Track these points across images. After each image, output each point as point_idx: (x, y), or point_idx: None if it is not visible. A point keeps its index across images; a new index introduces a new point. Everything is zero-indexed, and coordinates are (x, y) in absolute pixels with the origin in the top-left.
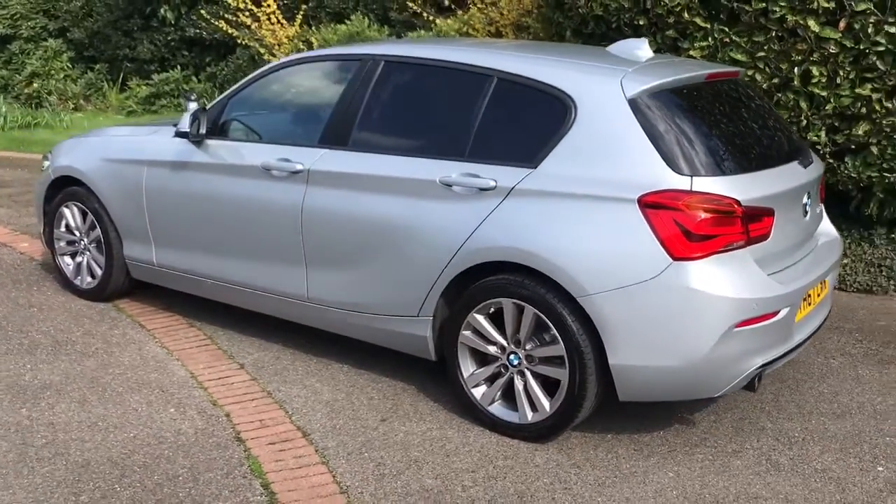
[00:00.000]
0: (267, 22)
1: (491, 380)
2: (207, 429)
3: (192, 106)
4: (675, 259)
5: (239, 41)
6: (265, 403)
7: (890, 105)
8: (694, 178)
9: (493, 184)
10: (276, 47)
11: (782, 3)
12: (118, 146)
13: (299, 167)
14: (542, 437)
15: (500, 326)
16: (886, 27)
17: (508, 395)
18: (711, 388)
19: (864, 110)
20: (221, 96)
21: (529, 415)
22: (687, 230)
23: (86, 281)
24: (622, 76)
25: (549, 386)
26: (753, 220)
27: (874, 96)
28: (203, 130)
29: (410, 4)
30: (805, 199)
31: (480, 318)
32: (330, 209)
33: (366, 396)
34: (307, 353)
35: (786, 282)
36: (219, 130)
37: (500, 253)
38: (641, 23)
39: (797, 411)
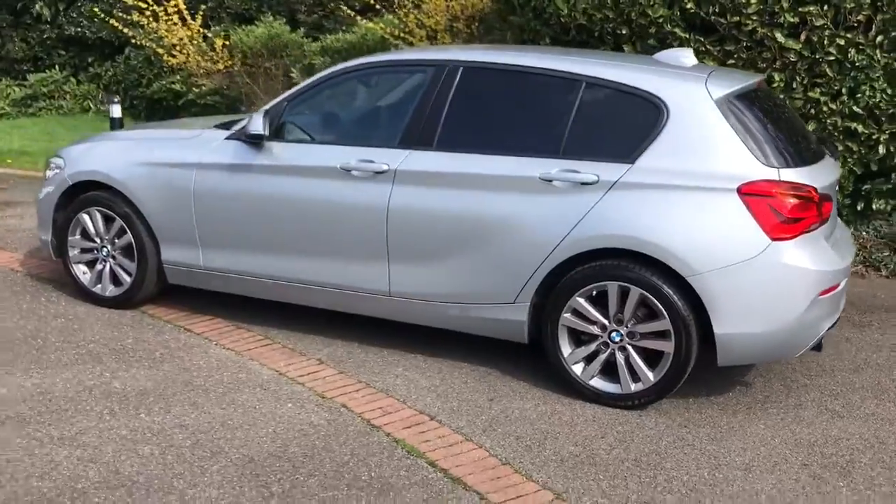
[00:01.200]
0: (169, 21)
1: (589, 357)
2: (337, 419)
3: (115, 109)
4: (772, 240)
5: (133, 40)
6: (370, 393)
7: (834, 106)
8: (780, 169)
9: (595, 178)
10: (176, 48)
11: (754, 18)
12: (157, 150)
13: (384, 167)
14: (642, 405)
15: (598, 308)
16: (837, 39)
17: (604, 370)
18: (794, 349)
19: (812, 111)
20: (279, 99)
21: (632, 386)
22: (781, 214)
23: (108, 289)
24: (704, 81)
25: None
26: (822, 204)
27: (822, 99)
28: (268, 133)
29: (343, 8)
30: (836, 187)
31: (582, 300)
32: (421, 207)
33: (460, 381)
34: (374, 345)
35: (842, 256)
36: (278, 133)
37: (609, 240)
38: (624, 32)
39: (820, 370)
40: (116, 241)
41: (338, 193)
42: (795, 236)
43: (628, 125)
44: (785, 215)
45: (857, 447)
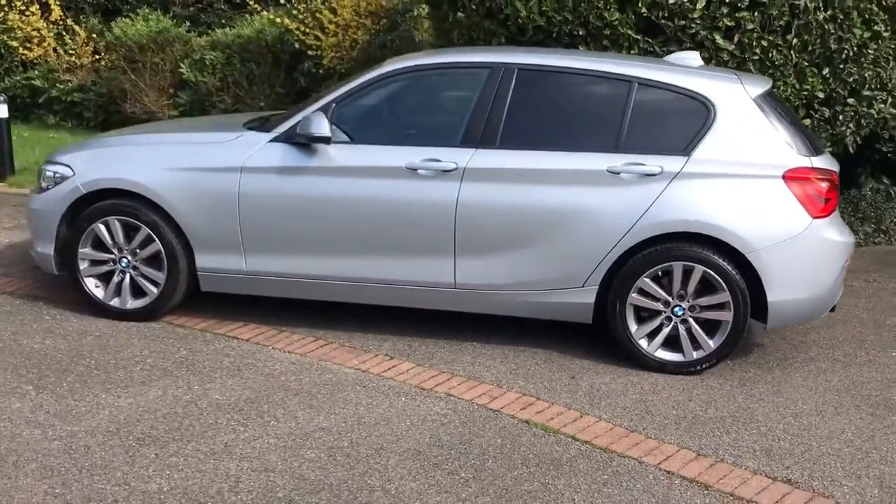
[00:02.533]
0: (24, 11)
1: (653, 332)
2: (456, 407)
3: (2, 109)
4: (813, 218)
5: None
6: (462, 381)
7: None
8: (811, 157)
9: (659, 169)
10: (33, 40)
11: (698, 22)
12: (192, 154)
13: (452, 166)
14: (702, 371)
15: (661, 286)
16: (763, 41)
17: (665, 341)
18: (822, 311)
19: None
20: (327, 100)
21: (694, 353)
22: (819, 196)
23: (128, 301)
24: (741, 83)
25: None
26: (839, 187)
27: None
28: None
29: None
30: None
31: (648, 280)
32: (491, 202)
33: (531, 363)
34: (428, 337)
35: (851, 232)
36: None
37: (678, 225)
38: (580, 33)
39: (804, 329)
40: (139, 251)
41: (403, 192)
42: (828, 215)
43: (680, 122)
44: (822, 197)
45: (882, 388)
